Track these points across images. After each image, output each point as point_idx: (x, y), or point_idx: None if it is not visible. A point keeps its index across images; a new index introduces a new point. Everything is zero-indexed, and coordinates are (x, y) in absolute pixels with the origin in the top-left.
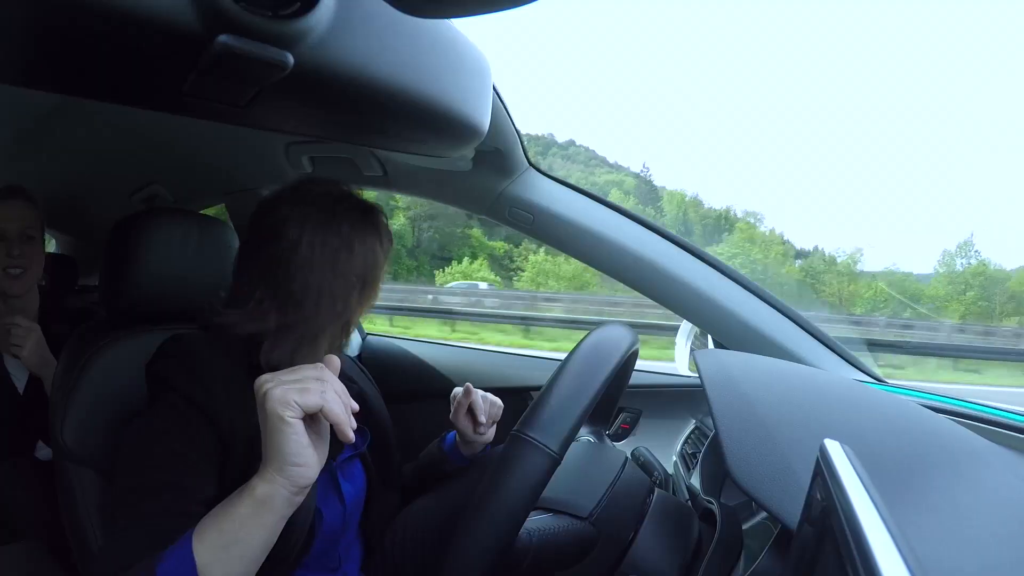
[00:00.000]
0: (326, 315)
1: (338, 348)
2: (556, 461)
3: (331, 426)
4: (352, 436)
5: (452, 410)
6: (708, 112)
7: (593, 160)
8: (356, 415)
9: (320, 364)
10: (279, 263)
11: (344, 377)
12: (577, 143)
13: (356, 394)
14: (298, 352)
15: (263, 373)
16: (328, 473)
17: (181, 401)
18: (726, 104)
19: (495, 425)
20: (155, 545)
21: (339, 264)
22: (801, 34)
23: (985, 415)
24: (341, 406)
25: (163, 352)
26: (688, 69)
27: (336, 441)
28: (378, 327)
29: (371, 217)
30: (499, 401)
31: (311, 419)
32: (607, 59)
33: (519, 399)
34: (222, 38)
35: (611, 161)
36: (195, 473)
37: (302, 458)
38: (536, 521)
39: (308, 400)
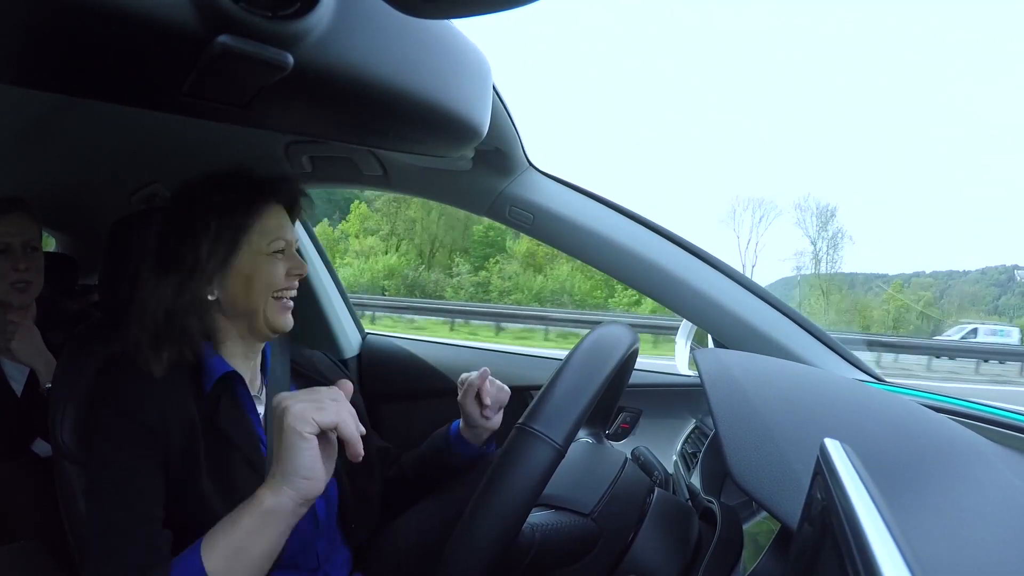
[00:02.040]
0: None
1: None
2: (560, 453)
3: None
4: (362, 453)
5: (461, 392)
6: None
7: None
8: None
9: (335, 388)
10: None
11: (316, 372)
12: None
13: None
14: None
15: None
16: None
17: (121, 420)
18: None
19: (502, 411)
20: (144, 548)
21: (167, 262)
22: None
23: (985, 415)
24: (354, 425)
25: (100, 375)
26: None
27: None
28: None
29: (205, 207)
30: (506, 388)
31: (322, 437)
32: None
33: (519, 399)
34: (222, 38)
35: None
36: (150, 489)
37: (313, 472)
38: (538, 517)
39: (325, 418)
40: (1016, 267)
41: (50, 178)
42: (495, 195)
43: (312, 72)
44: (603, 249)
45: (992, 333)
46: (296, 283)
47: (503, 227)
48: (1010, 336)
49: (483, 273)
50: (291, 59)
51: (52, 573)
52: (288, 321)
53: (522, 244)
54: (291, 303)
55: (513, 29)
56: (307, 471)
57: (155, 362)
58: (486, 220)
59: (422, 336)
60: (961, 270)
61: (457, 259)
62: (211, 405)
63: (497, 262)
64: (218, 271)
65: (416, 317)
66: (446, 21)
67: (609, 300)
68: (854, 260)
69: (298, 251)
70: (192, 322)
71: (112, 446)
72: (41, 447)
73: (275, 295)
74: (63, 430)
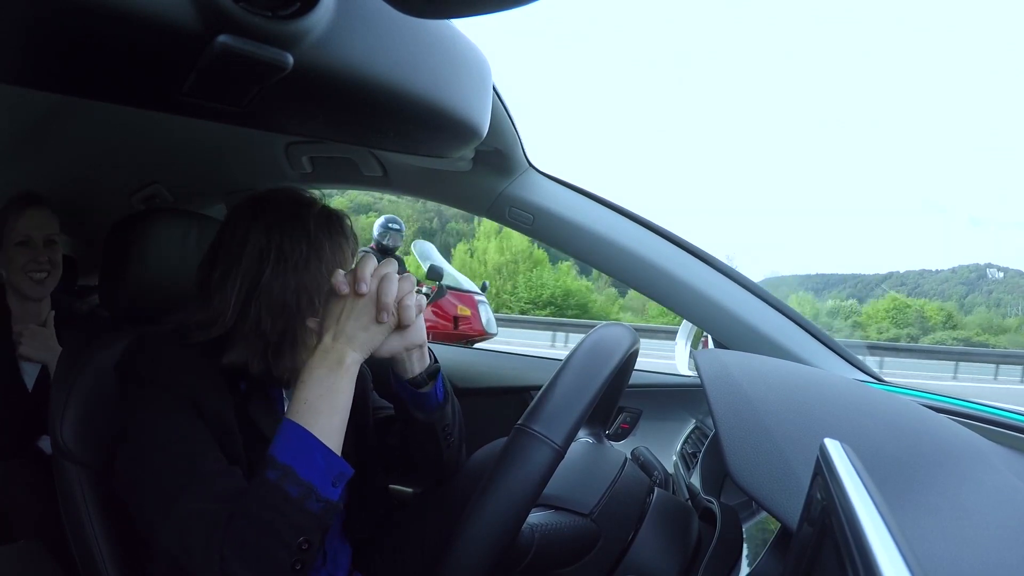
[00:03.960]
0: (292, 320)
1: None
2: (560, 454)
3: None
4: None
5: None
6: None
7: None
8: None
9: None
10: (247, 269)
11: None
12: None
13: None
14: (276, 359)
15: (233, 374)
16: None
17: (166, 394)
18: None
19: (420, 315)
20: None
21: (309, 269)
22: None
23: (985, 415)
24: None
25: (134, 350)
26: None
27: None
28: None
29: (338, 221)
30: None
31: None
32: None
33: (519, 399)
34: (222, 38)
35: None
36: (209, 451)
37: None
38: (538, 517)
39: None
40: (989, 265)
41: (50, 178)
42: (495, 196)
43: (312, 72)
44: (603, 250)
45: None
46: None
47: None
48: None
49: None
50: (291, 59)
51: (53, 573)
52: None
53: None
54: None
55: (513, 29)
56: (375, 342)
57: (283, 371)
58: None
59: None
60: (933, 269)
61: None
62: (243, 401)
63: None
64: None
65: None
66: (446, 21)
67: None
68: (832, 261)
69: None
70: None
71: (166, 420)
72: (47, 444)
73: None
74: (63, 430)
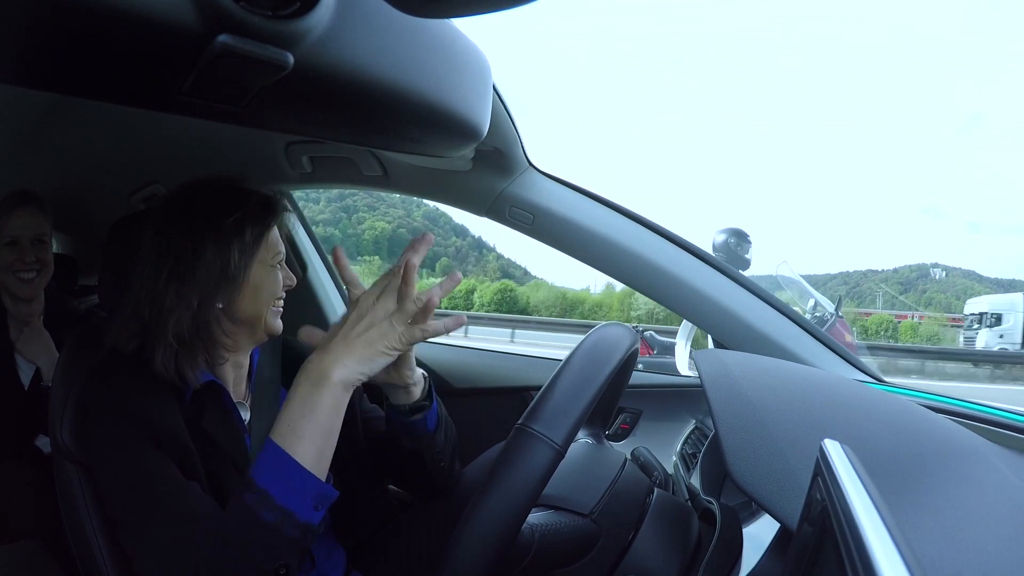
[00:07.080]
0: (192, 322)
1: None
2: (560, 454)
3: None
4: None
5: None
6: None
7: None
8: None
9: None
10: (143, 272)
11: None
12: None
13: None
14: (190, 359)
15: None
16: None
17: (120, 426)
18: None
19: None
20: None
21: (180, 269)
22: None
23: (985, 415)
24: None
25: (86, 383)
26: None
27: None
28: None
29: (220, 218)
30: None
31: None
32: None
33: (519, 399)
34: (222, 38)
35: None
36: (170, 476)
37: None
38: (538, 517)
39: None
40: (934, 265)
41: (50, 178)
42: (495, 195)
43: (312, 72)
44: (603, 249)
45: None
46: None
47: None
48: None
49: None
50: (291, 59)
51: (53, 573)
52: (280, 325)
53: None
54: (281, 308)
55: (513, 29)
56: (375, 363)
57: (158, 367)
58: None
59: None
60: (879, 269)
61: None
62: (195, 414)
63: None
64: (233, 282)
65: None
66: (446, 21)
67: None
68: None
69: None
70: (204, 330)
71: (124, 454)
72: (45, 442)
73: (273, 304)
74: (63, 430)
